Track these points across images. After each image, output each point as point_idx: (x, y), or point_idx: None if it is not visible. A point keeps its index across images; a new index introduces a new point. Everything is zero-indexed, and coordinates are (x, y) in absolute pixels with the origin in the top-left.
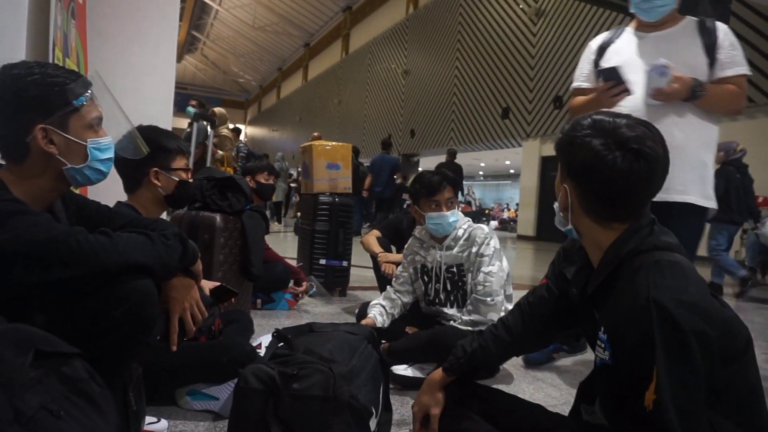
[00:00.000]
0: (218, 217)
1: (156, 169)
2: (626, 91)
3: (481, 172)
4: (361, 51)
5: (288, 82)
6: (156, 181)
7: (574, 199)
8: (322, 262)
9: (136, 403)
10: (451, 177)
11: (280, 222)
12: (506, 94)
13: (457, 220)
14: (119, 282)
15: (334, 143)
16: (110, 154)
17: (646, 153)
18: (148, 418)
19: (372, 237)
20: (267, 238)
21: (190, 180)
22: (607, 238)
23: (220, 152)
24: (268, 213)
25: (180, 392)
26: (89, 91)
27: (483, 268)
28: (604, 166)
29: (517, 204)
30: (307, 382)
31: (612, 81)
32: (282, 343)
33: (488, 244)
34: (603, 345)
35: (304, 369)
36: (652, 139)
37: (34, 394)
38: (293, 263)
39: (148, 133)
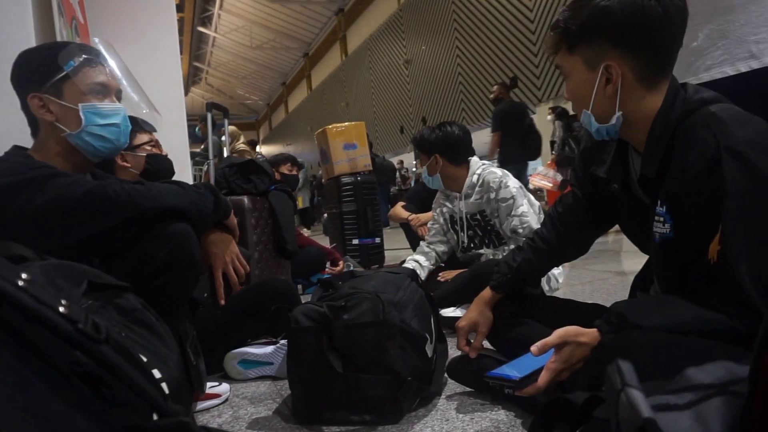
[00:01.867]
0: (246, 199)
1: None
2: None
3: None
4: (360, 50)
5: (293, 95)
6: (124, 163)
7: (626, 71)
8: (355, 241)
9: (195, 360)
10: (416, 139)
11: (308, 228)
12: (511, 63)
13: (425, 176)
14: (159, 227)
15: (347, 123)
16: (113, 121)
17: None
18: (210, 383)
19: (398, 207)
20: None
21: (162, 153)
22: (655, 104)
23: None
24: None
25: (232, 364)
26: (82, 57)
27: (514, 212)
28: (651, 11)
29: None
30: (356, 311)
31: None
32: (326, 291)
33: (506, 186)
34: (662, 219)
35: (352, 299)
36: None
37: (97, 319)
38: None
39: None
